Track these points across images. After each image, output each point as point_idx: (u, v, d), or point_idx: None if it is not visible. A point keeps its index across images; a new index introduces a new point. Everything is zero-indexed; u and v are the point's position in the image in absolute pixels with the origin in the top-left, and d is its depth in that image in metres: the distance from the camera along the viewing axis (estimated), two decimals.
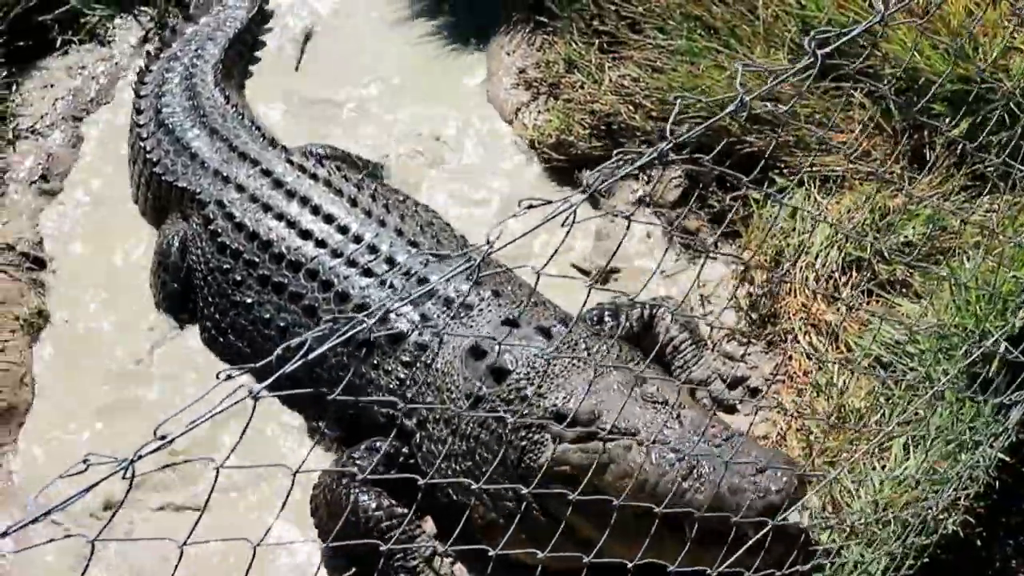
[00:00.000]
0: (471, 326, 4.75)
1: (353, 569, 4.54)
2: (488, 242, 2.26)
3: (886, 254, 5.08)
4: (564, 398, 4.32)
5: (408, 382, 4.70)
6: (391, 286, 4.99)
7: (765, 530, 3.67)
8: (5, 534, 1.97)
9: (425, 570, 4.40)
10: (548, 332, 4.63)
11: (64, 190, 6.53)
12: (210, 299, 5.53)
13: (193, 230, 5.72)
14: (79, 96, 7.06)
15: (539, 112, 6.63)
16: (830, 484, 4.22)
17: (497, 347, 4.38)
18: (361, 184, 5.62)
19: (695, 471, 3.97)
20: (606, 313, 5.14)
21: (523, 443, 4.31)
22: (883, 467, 4.37)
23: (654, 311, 5.20)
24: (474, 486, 3.08)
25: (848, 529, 4.11)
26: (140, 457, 2.02)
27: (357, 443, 4.75)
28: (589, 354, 4.55)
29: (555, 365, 4.44)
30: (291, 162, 5.75)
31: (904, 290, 5.12)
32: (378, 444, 4.66)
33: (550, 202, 2.27)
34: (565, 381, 4.40)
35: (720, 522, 3.68)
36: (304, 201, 5.46)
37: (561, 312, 4.98)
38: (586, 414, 4.18)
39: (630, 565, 3.38)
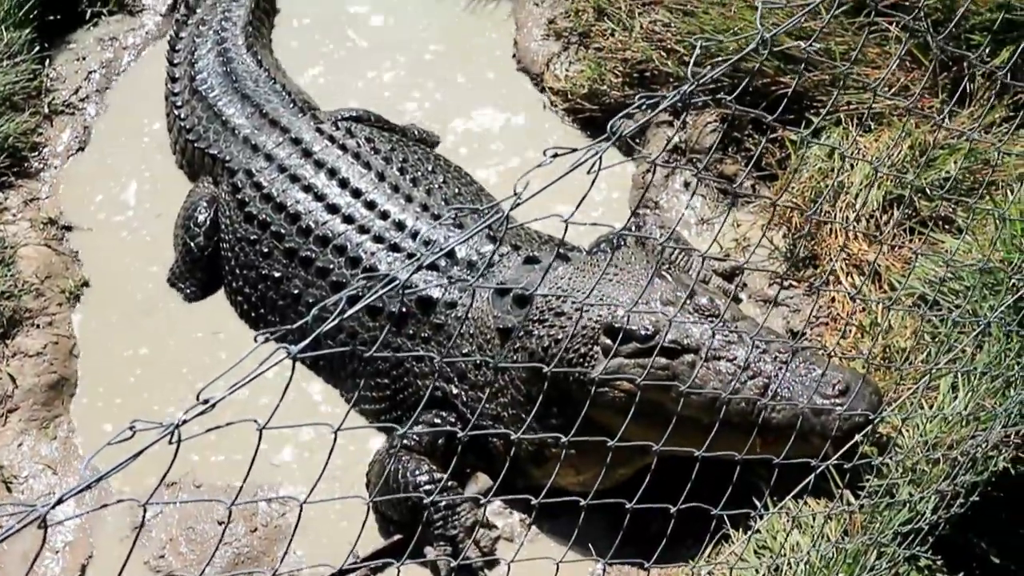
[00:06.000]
0: (496, 276, 4.76)
1: (397, 536, 4.61)
2: (515, 193, 2.25)
3: (927, 190, 5.00)
4: (612, 311, 4.23)
5: (443, 339, 4.72)
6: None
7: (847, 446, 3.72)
8: (60, 501, 2.00)
9: (465, 540, 4.43)
10: (566, 257, 4.64)
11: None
12: (238, 271, 5.57)
13: (222, 198, 5.76)
14: (111, 67, 7.08)
15: (570, 63, 6.57)
16: (876, 424, 4.19)
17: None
18: (390, 156, 5.58)
19: (770, 389, 3.95)
20: (603, 244, 5.17)
21: (569, 356, 4.26)
22: (930, 406, 4.34)
23: (640, 229, 5.29)
24: (514, 436, 3.03)
25: (897, 469, 4.09)
26: (184, 422, 2.04)
27: (402, 422, 4.80)
28: (624, 270, 4.45)
29: (587, 280, 4.40)
30: (320, 131, 5.71)
31: (947, 226, 5.05)
32: (425, 417, 4.69)
33: (575, 150, 2.25)
34: (606, 295, 4.32)
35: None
36: (332, 173, 5.44)
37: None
38: (646, 329, 4.13)
39: (697, 453, 3.28)
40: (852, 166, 5.22)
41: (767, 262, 5.32)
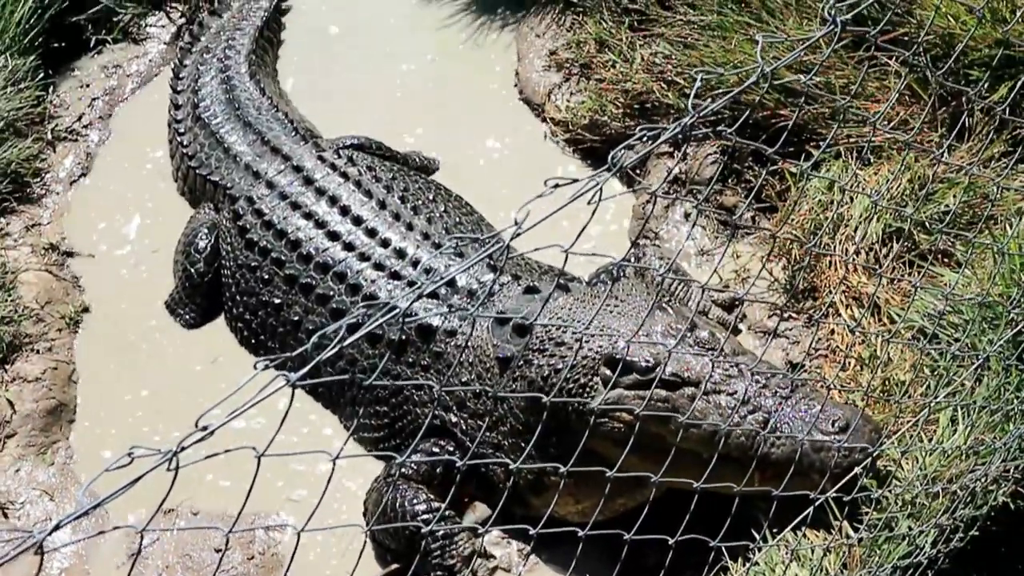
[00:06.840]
0: (496, 305, 4.77)
1: (395, 565, 4.59)
2: (516, 223, 2.26)
3: (926, 224, 5.01)
4: (612, 342, 4.23)
5: (443, 368, 4.72)
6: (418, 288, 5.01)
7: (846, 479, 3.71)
8: (58, 527, 1.99)
9: (462, 570, 4.41)
10: (567, 288, 4.66)
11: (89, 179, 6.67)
12: (238, 297, 5.59)
13: (223, 224, 5.77)
14: (114, 95, 7.13)
15: (571, 93, 6.60)
16: (875, 457, 4.18)
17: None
18: (391, 185, 5.61)
19: (770, 425, 3.95)
20: (603, 275, 5.17)
21: (569, 386, 4.26)
22: (929, 440, 4.33)
23: (640, 260, 5.31)
24: (513, 465, 3.03)
25: (896, 502, 4.07)
26: (183, 448, 2.04)
27: (401, 450, 4.81)
28: (624, 301, 4.45)
29: (587, 310, 4.41)
30: (322, 159, 5.75)
31: (946, 260, 5.06)
32: (424, 446, 4.68)
33: (576, 180, 2.26)
34: (606, 326, 4.32)
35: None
36: (333, 200, 5.47)
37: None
38: (647, 361, 4.14)
39: (696, 485, 3.29)
40: (851, 199, 5.23)
41: (767, 294, 5.33)
